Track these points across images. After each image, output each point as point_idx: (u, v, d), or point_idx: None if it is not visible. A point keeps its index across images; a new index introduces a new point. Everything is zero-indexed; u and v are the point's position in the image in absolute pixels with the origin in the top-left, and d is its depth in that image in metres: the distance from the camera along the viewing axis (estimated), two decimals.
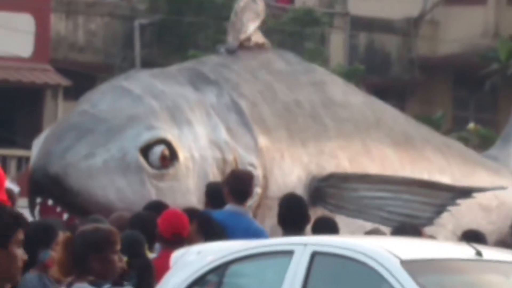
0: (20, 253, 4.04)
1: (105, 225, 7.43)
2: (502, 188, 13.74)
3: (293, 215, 10.44)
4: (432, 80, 30.52)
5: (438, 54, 30.81)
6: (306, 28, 28.08)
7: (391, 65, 31.61)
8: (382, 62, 31.04)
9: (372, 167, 13.09)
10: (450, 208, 12.44)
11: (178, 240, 9.10)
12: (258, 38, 13.58)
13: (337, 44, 29.59)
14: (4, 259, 4.12)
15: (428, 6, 30.94)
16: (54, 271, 6.88)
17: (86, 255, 6.10)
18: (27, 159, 20.04)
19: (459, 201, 12.60)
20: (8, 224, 4.13)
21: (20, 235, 4.13)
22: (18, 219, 4.27)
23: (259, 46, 13.64)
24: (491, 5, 29.62)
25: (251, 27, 13.52)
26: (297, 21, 28.37)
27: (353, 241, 8.47)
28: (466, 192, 13.06)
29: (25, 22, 28.37)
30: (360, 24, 30.56)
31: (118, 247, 6.30)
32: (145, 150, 11.80)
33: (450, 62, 30.24)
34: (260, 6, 13.91)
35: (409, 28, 30.36)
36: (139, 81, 12.91)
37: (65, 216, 11.29)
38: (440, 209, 12.51)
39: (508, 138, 15.78)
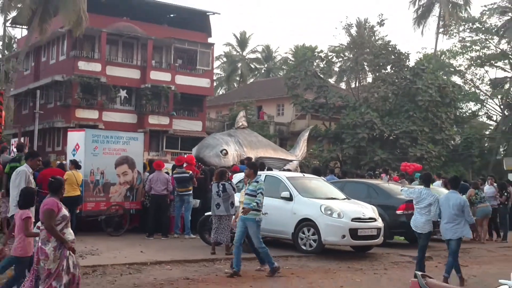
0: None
1: (222, 168, 19.29)
2: (295, 160, 32.09)
3: (261, 166, 20.42)
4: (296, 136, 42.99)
5: (295, 130, 51.39)
6: (263, 125, 50.61)
7: (285, 133, 50.90)
8: (279, 133, 51.26)
9: (269, 155, 29.77)
10: (287, 164, 29.94)
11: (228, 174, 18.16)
12: (244, 124, 30.89)
13: (271, 129, 50.66)
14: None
15: (292, 119, 53.19)
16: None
17: (222, 175, 17.27)
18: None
19: (288, 164, 29.97)
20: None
21: None
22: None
23: (244, 127, 30.42)
24: (308, 117, 49.28)
25: (240, 123, 30.58)
26: (260, 123, 50.93)
27: (274, 173, 20.31)
28: (289, 161, 30.63)
29: (198, 124, 52.34)
30: (277, 123, 51.82)
31: (227, 174, 17.58)
32: (222, 151, 27.87)
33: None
34: (244, 120, 30.90)
35: (284, 126, 52.03)
36: (218, 135, 30.23)
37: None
38: (284, 165, 29.45)
39: (294, 147, 33.76)
